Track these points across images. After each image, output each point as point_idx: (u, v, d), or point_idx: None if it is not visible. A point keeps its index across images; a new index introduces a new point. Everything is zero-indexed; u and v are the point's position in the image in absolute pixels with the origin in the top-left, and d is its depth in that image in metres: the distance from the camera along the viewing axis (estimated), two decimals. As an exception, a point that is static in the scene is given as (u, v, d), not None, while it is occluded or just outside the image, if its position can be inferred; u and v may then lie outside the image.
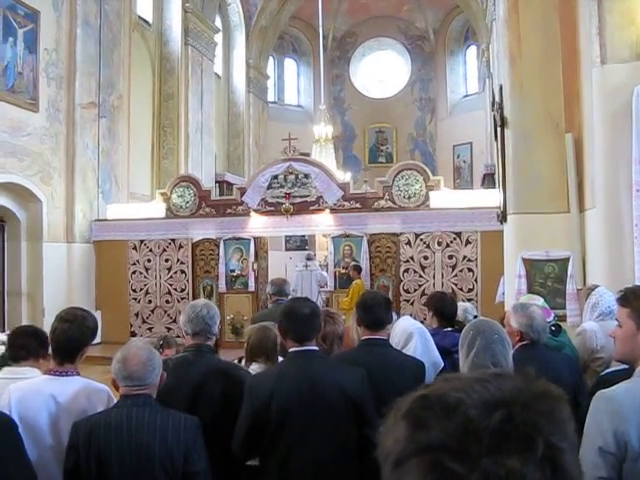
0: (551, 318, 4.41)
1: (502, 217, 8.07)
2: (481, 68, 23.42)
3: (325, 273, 15.03)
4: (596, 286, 5.01)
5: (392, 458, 0.83)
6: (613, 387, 2.42)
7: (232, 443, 3.20)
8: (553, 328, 4.33)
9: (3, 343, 7.38)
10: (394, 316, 4.11)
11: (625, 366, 2.74)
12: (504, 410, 0.80)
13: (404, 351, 4.01)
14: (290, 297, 15.00)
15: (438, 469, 0.77)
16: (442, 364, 4.12)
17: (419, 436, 0.81)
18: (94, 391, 3.17)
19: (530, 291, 7.31)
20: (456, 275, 11.76)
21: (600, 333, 4.28)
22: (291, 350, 3.28)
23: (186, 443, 2.84)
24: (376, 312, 3.72)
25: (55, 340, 3.17)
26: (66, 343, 3.15)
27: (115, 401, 3.03)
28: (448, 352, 4.22)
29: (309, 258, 16.96)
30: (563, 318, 6.80)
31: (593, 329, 4.39)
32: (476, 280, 11.62)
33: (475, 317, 5.83)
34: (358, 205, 12.45)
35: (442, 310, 4.74)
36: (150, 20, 18.01)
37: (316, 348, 3.36)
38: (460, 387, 0.85)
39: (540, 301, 4.57)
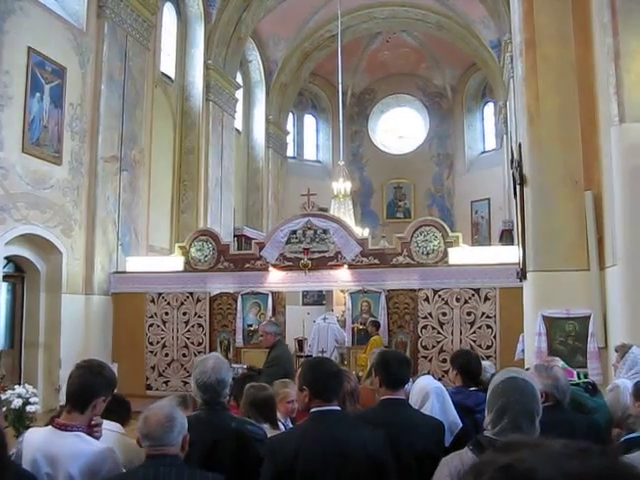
0: (574, 378, 4.35)
1: (522, 274, 8.02)
2: (498, 125, 23.59)
3: (343, 330, 14.95)
4: (630, 345, 5.02)
5: None
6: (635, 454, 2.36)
7: None
8: (590, 387, 4.27)
9: (19, 396, 7.41)
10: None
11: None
12: None
13: (421, 411, 3.95)
14: (307, 352, 14.70)
15: None
16: (460, 425, 4.02)
17: None
18: (88, 455, 2.88)
19: (550, 349, 7.24)
20: (474, 332, 11.65)
21: (633, 389, 4.23)
22: (314, 410, 3.15)
23: None
24: (397, 372, 3.67)
25: (69, 385, 3.05)
26: (77, 390, 3.02)
27: (118, 464, 2.93)
28: (471, 411, 4.15)
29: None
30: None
31: (626, 385, 4.34)
32: (495, 337, 11.51)
33: (493, 375, 5.73)
34: (376, 261, 12.44)
35: (467, 369, 4.63)
36: (172, 76, 18.38)
37: (339, 408, 3.26)
38: (548, 461, 0.83)
39: (560, 363, 4.51)
